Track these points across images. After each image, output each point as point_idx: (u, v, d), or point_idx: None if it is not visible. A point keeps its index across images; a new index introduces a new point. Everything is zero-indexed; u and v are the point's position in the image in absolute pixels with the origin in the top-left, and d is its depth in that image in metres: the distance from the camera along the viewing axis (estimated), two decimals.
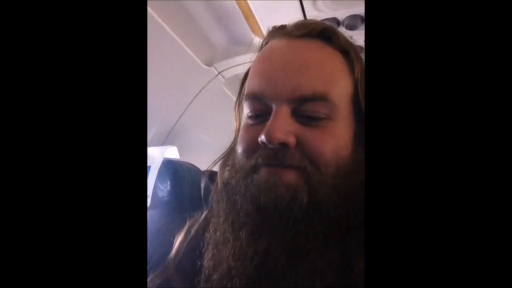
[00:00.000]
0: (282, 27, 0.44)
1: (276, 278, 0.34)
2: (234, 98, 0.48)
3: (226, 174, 0.43)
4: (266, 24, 1.00)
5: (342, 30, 0.82)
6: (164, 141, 1.28)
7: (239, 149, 0.41)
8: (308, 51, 0.40)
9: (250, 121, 0.41)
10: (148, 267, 0.42)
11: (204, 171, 0.73)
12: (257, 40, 1.11)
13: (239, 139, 0.42)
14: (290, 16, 0.93)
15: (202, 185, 0.52)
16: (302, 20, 0.44)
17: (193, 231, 0.44)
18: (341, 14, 0.93)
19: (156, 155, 1.06)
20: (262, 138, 0.36)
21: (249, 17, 1.01)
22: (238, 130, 0.46)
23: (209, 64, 1.20)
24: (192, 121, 1.33)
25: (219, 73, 1.24)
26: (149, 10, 0.89)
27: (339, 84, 0.39)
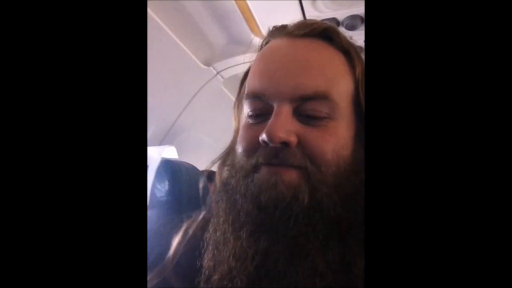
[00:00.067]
0: (283, 27, 0.44)
1: (276, 278, 0.34)
2: (233, 98, 0.48)
3: (226, 174, 0.43)
4: (265, 24, 1.00)
5: (341, 30, 0.82)
6: (162, 141, 1.28)
7: (240, 149, 0.41)
8: (310, 50, 0.40)
9: (250, 121, 0.41)
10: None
11: (202, 171, 0.73)
12: (256, 40, 1.11)
13: (239, 139, 0.42)
14: (290, 16, 0.93)
15: (201, 185, 0.52)
16: (303, 20, 0.44)
17: (191, 231, 0.44)
18: (341, 14, 0.93)
19: (154, 155, 1.06)
20: (263, 137, 0.36)
21: (248, 17, 1.01)
22: (237, 130, 0.46)
23: (208, 64, 1.20)
24: (191, 120, 1.33)
25: (217, 73, 1.24)
26: (148, 10, 0.89)
27: (340, 84, 0.39)
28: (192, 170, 0.70)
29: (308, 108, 0.37)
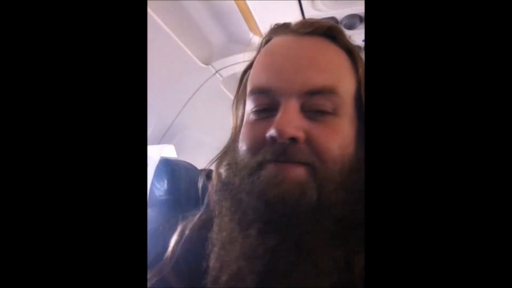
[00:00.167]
0: (286, 25, 0.44)
1: (285, 276, 0.34)
2: (232, 97, 0.48)
3: (226, 173, 0.42)
4: (264, 23, 0.99)
5: None
6: (161, 140, 1.28)
7: (243, 146, 0.40)
8: (316, 47, 0.40)
9: (254, 117, 0.40)
10: None
11: (201, 170, 0.73)
12: (255, 39, 1.11)
13: (242, 136, 0.41)
14: (289, 15, 0.93)
15: (200, 184, 0.52)
16: (306, 19, 0.44)
17: (187, 231, 0.44)
18: (340, 13, 0.93)
19: (153, 153, 1.06)
20: (272, 133, 0.36)
21: (247, 15, 1.01)
22: (235, 128, 0.46)
23: (207, 62, 1.19)
24: (190, 119, 1.33)
25: (216, 71, 1.24)
26: (147, 8, 0.88)
27: (345, 81, 0.40)
28: (191, 169, 0.70)
29: (315, 102, 0.37)
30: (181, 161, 0.72)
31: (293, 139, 0.36)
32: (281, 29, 0.44)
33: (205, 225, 0.44)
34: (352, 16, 0.93)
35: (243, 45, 1.15)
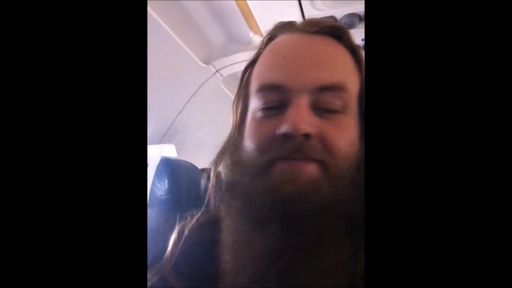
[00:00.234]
0: (291, 23, 0.44)
1: (308, 274, 0.34)
2: (232, 96, 0.48)
3: (231, 172, 0.42)
4: (264, 22, 0.99)
5: None
6: (162, 139, 1.28)
7: (251, 145, 0.39)
8: (324, 45, 0.41)
9: (261, 114, 0.40)
10: None
11: (202, 170, 0.73)
12: (256, 38, 1.11)
13: (249, 134, 0.40)
14: (288, 14, 0.93)
15: (200, 184, 0.52)
16: (312, 19, 0.45)
17: (187, 231, 0.43)
18: (339, 12, 0.93)
19: (154, 153, 1.06)
20: (285, 129, 0.36)
21: (247, 15, 1.01)
22: (235, 127, 0.46)
23: (207, 62, 1.19)
24: (190, 119, 1.33)
25: (217, 71, 1.24)
26: (147, 8, 0.88)
27: (352, 79, 0.40)
28: (191, 169, 0.70)
29: (325, 100, 0.38)
30: (182, 160, 0.72)
31: (306, 136, 0.36)
32: (286, 27, 0.44)
33: (205, 226, 0.44)
34: (351, 15, 0.93)
35: (243, 45, 1.15)
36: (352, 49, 0.42)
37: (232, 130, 0.46)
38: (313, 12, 0.92)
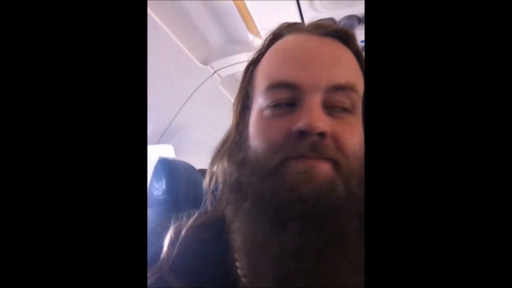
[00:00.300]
0: (297, 24, 0.45)
1: (331, 273, 0.33)
2: (230, 97, 0.48)
3: (237, 172, 0.41)
4: (263, 23, 0.99)
5: None
6: (160, 140, 1.28)
7: (261, 144, 0.39)
8: (334, 47, 0.42)
9: (270, 113, 0.39)
10: None
11: (200, 170, 0.73)
12: (254, 39, 1.11)
13: (258, 133, 0.40)
14: (287, 15, 0.93)
15: (198, 184, 0.52)
16: (318, 21, 0.45)
17: (184, 232, 0.43)
18: (338, 14, 0.93)
19: (152, 153, 1.06)
20: (301, 127, 0.35)
21: (246, 16, 1.01)
22: (236, 126, 0.45)
23: (205, 62, 1.19)
24: (188, 119, 1.33)
25: (215, 71, 1.24)
26: None
27: (360, 80, 0.41)
28: (189, 169, 0.70)
29: (337, 99, 0.38)
30: (180, 161, 0.72)
31: (321, 134, 0.36)
32: (293, 27, 0.45)
33: (203, 227, 0.44)
34: (350, 17, 0.93)
35: (242, 46, 1.15)
36: (356, 52, 0.43)
37: (231, 130, 0.46)
38: (311, 14, 0.92)
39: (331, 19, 0.94)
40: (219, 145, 0.47)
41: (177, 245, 0.42)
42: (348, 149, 0.37)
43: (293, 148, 0.36)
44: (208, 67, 1.21)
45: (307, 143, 0.36)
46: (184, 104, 1.26)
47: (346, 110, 0.38)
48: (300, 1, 0.89)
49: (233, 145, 0.45)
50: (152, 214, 0.64)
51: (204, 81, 1.25)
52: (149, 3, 0.88)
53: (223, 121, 0.50)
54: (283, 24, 0.46)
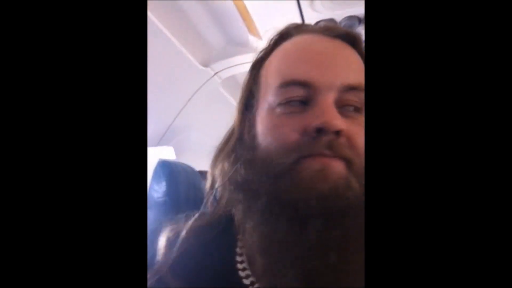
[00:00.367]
0: (306, 25, 0.46)
1: (352, 269, 0.33)
2: (231, 99, 0.48)
3: (244, 172, 0.40)
4: (263, 24, 0.99)
5: None
6: (160, 142, 1.28)
7: (274, 142, 0.38)
8: (345, 49, 0.43)
9: (282, 110, 0.39)
10: None
11: (200, 172, 0.73)
12: (254, 41, 1.11)
13: (270, 131, 0.39)
14: (288, 16, 0.93)
15: (198, 186, 0.52)
16: (327, 24, 0.47)
17: (184, 234, 0.43)
18: (339, 15, 0.93)
19: (152, 155, 1.06)
20: (319, 124, 0.36)
21: (246, 17, 1.01)
22: (239, 125, 0.45)
23: (206, 64, 1.19)
24: (188, 121, 1.33)
25: (215, 73, 1.24)
26: None
27: None
28: (189, 171, 0.70)
29: (348, 98, 0.38)
30: (180, 163, 0.72)
31: (337, 133, 0.36)
32: (304, 28, 0.46)
33: (204, 229, 0.44)
34: (351, 18, 0.93)
35: (242, 47, 1.15)
36: (362, 55, 0.44)
37: (234, 130, 0.46)
38: (312, 15, 0.92)
39: (331, 19, 0.94)
40: (221, 145, 0.47)
41: (177, 247, 0.42)
42: (359, 148, 0.37)
43: (309, 146, 0.36)
44: (209, 69, 1.21)
45: (324, 141, 0.36)
46: (185, 106, 1.26)
47: (356, 110, 0.39)
48: (301, 2, 0.89)
49: (237, 144, 0.44)
50: (152, 216, 0.63)
51: (204, 83, 1.25)
52: (149, 6, 0.88)
53: (223, 123, 0.49)
54: (290, 24, 0.46)
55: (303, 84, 0.38)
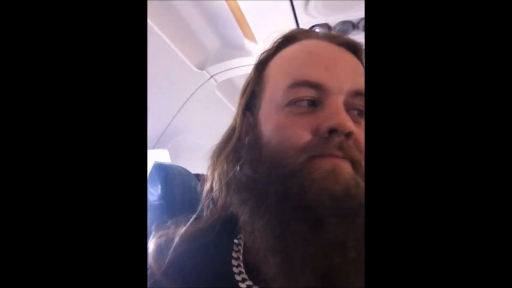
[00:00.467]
0: (314, 32, 0.48)
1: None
2: (227, 102, 0.48)
3: (248, 173, 0.40)
4: (258, 28, 1.00)
5: None
6: (155, 145, 1.27)
7: (283, 141, 0.38)
8: (351, 56, 0.44)
9: (290, 110, 0.39)
10: None
11: (195, 175, 0.73)
12: (249, 44, 1.12)
13: (278, 130, 0.39)
14: (282, 20, 0.94)
15: (194, 189, 0.52)
16: (331, 33, 0.49)
17: (178, 238, 0.42)
18: (333, 19, 0.94)
19: (147, 158, 1.05)
20: (332, 125, 0.36)
21: (241, 21, 1.01)
22: (239, 126, 0.45)
23: (201, 67, 1.19)
24: (184, 124, 1.33)
25: (211, 76, 1.24)
26: None
27: None
28: (185, 174, 0.70)
29: (355, 102, 0.40)
30: (175, 165, 0.72)
31: (348, 135, 0.37)
32: (311, 33, 0.47)
33: (201, 232, 0.44)
34: (344, 23, 0.94)
35: (238, 50, 1.15)
36: (363, 64, 0.45)
37: (234, 130, 0.46)
38: (306, 19, 0.93)
39: (326, 24, 0.95)
40: (220, 146, 0.47)
41: (171, 251, 0.42)
42: (363, 150, 0.38)
43: (321, 146, 0.37)
44: (204, 72, 1.21)
45: (335, 141, 0.36)
46: (180, 109, 1.26)
47: (359, 114, 0.40)
48: (295, 7, 0.90)
49: (238, 144, 0.44)
50: (147, 218, 0.63)
51: (200, 86, 1.25)
52: None
53: (219, 126, 0.49)
54: (296, 29, 0.49)
55: (315, 85, 0.39)
